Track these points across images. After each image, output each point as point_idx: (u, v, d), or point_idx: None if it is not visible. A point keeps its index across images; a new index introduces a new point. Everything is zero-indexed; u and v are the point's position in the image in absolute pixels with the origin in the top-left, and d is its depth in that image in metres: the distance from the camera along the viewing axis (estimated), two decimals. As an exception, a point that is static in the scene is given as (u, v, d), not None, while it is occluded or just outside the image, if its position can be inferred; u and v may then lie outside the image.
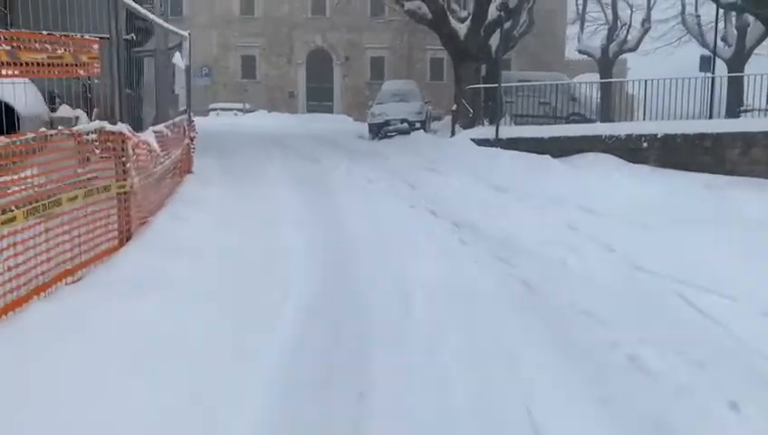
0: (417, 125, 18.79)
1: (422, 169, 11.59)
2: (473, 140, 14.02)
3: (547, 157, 11.60)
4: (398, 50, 36.01)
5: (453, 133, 15.77)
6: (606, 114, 21.98)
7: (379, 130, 19.02)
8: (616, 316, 4.34)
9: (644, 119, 15.49)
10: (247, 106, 34.49)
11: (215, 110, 34.97)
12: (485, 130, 14.61)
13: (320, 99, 36.78)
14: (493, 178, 10.30)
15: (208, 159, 10.81)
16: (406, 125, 18.77)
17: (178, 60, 6.42)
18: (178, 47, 7.15)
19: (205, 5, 36.60)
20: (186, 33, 7.37)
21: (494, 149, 13.30)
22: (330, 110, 36.37)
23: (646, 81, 15.06)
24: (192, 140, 7.97)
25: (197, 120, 29.75)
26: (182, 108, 7.13)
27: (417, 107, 19.29)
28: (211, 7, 36.64)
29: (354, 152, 14.77)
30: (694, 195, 9.08)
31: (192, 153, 8.02)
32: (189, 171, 7.77)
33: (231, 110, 34.67)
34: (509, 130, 14.32)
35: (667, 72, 17.00)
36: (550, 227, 7.02)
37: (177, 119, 6.75)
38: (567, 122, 19.34)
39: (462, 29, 18.76)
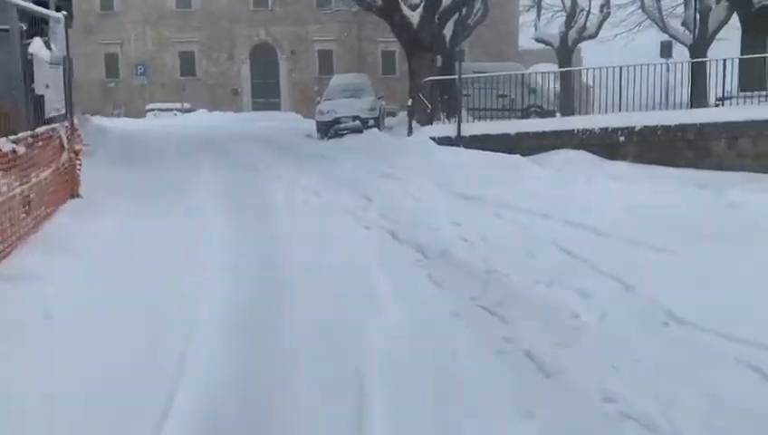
0: (371, 123, 17.21)
1: (378, 176, 10.04)
2: (432, 138, 12.56)
3: (517, 157, 10.22)
4: (346, 43, 34.28)
5: (410, 131, 14.27)
6: (566, 106, 20.89)
7: (329, 129, 17.35)
8: (672, 414, 2.88)
9: (600, 111, 14.18)
10: (186, 105, 32.24)
11: (152, 110, 32.63)
12: (445, 128, 13.17)
13: (266, 96, 34.79)
14: (459, 183, 8.84)
15: (118, 172, 9.03)
16: (358, 123, 17.16)
17: (38, 49, 4.72)
18: (48, 33, 5.40)
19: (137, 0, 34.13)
20: (59, 15, 5.61)
21: (456, 148, 11.87)
22: (277, 107, 34.42)
23: (605, 68, 13.75)
24: (77, 154, 6.22)
25: (136, 122, 27.56)
26: (53, 112, 5.39)
27: (370, 103, 17.69)
28: (144, 1, 34.14)
29: (300, 156, 13.10)
30: (691, 199, 7.79)
31: (78, 171, 6.27)
32: (74, 195, 6.04)
33: (170, 110, 32.39)
34: (471, 127, 12.93)
35: (625, 60, 15.86)
36: (540, 253, 5.57)
37: (42, 129, 5.03)
38: (525, 115, 18.14)
39: (414, 17, 17.26)
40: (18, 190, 4.30)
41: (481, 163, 10.04)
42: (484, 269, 5.15)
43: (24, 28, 9.42)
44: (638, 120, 11.72)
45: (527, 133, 12.33)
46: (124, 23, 34.38)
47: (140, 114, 32.19)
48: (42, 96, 5.02)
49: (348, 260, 5.29)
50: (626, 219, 6.67)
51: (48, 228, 4.69)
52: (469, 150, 11.45)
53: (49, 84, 4.93)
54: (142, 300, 3.72)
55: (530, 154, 11.42)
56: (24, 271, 3.69)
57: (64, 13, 5.69)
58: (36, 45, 4.76)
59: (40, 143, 4.92)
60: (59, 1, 14.87)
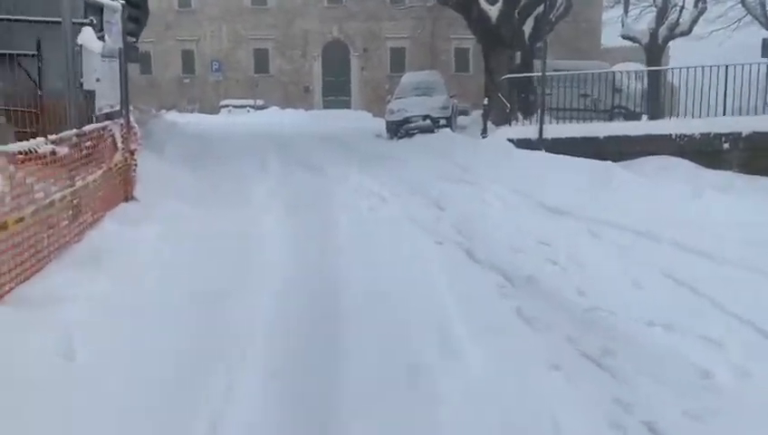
0: (442, 122, 16.41)
1: (451, 181, 9.27)
2: (510, 140, 11.65)
3: (608, 164, 9.19)
4: (419, 39, 33.55)
5: (485, 132, 13.40)
6: (655, 108, 19.41)
7: (399, 129, 16.67)
8: None
9: (687, 114, 12.77)
10: (259, 102, 32.36)
11: (226, 106, 32.91)
12: (524, 129, 12.22)
13: (337, 93, 34.51)
14: (544, 193, 7.96)
15: (180, 171, 8.66)
16: (429, 122, 16.40)
17: (88, 40, 4.26)
18: (99, 22, 4.97)
19: (214, -4, 34.54)
20: (115, 4, 5.17)
21: (538, 152, 10.93)
22: (347, 105, 34.08)
23: (702, 67, 12.25)
24: (133, 153, 5.79)
25: (209, 118, 27.79)
26: (106, 109, 4.93)
27: (442, 101, 16.88)
28: (220, -2, 34.56)
29: (368, 157, 12.48)
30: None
31: (133, 172, 5.84)
32: (128, 198, 5.61)
33: (244, 106, 32.59)
34: (554, 129, 11.93)
35: (720, 60, 14.40)
36: (648, 283, 4.68)
37: (91, 127, 4.57)
38: (609, 117, 16.89)
39: (493, 11, 16.34)
40: (58, 196, 3.84)
41: (567, 170, 9.09)
42: (581, 302, 4.32)
43: (94, 22, 9.22)
44: (747, 124, 10.44)
45: (617, 137, 11.24)
46: (201, 20, 34.89)
47: (215, 110, 32.56)
48: (92, 91, 4.59)
49: (418, 285, 4.56)
50: (747, 242, 5.67)
51: (91, 237, 4.23)
52: (552, 155, 10.49)
53: (100, 78, 4.49)
54: (179, 337, 3.14)
55: (620, 160, 10.35)
56: (50, 292, 3.19)
57: (122, 2, 5.28)
58: (86, 36, 4.33)
59: (88, 143, 4.48)
60: (134, 9, 14.88)
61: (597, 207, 7.17)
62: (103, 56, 4.80)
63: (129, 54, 20.88)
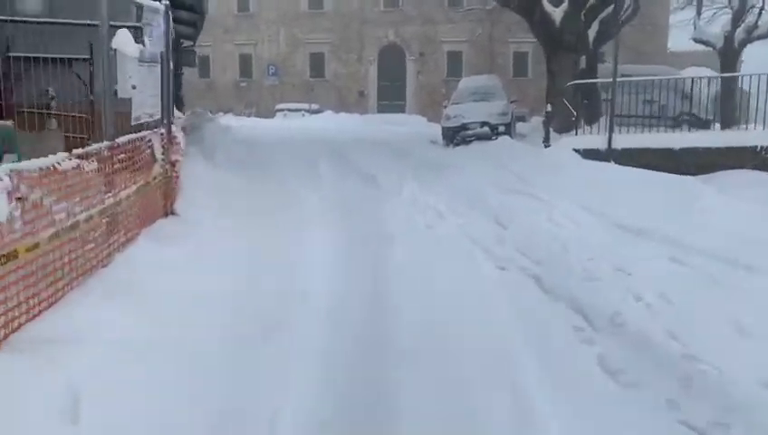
0: (501, 129, 15.69)
1: (512, 194, 8.63)
2: (576, 150, 10.89)
3: (687, 178, 8.36)
4: (477, 43, 32.82)
5: (548, 141, 12.65)
6: (727, 116, 18.14)
7: (455, 135, 16.06)
8: None
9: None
10: (314, 106, 32.28)
11: (282, 110, 32.99)
12: (591, 138, 11.42)
13: (392, 98, 34.12)
14: (617, 210, 7.23)
15: (229, 179, 8.33)
16: (487, 129, 15.72)
17: (123, 43, 3.90)
18: (141, 25, 4.62)
19: (271, 1, 34.71)
20: (156, 5, 4.80)
21: (606, 164, 10.15)
22: (402, 109, 33.64)
23: None
24: (174, 165, 5.42)
25: (264, 122, 27.83)
26: (144, 118, 4.56)
27: (501, 107, 16.17)
28: (278, 2, 34.69)
29: (424, 166, 11.94)
30: None
31: (174, 185, 5.48)
32: (167, 213, 5.23)
33: (299, 110, 32.59)
34: (623, 138, 11.10)
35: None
36: (758, 329, 3.96)
37: (125, 138, 4.18)
38: (676, 124, 15.82)
39: (557, 14, 15.60)
40: (83, 217, 3.47)
41: (641, 184, 8.31)
42: (677, 351, 3.66)
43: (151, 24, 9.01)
44: None
45: (694, 149, 10.35)
46: (258, 24, 35.15)
47: (270, 114, 32.69)
48: (128, 99, 4.24)
49: (479, 323, 3.99)
50: None
51: (121, 261, 3.86)
52: (623, 167, 9.70)
53: (136, 85, 4.13)
54: (206, 395, 2.68)
55: (697, 174, 9.49)
56: (63, 331, 2.79)
57: (166, 2, 4.93)
58: (120, 39, 3.97)
59: (121, 156, 4.13)
60: (191, 0, 14.82)
61: (678, 228, 6.42)
62: (142, 61, 4.45)
63: (187, 58, 21.05)
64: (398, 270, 4.92)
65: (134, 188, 4.35)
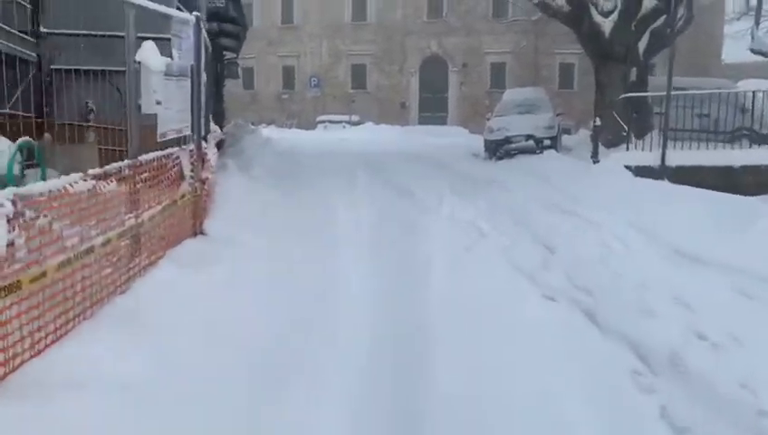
0: (547, 143, 15.20)
1: (559, 213, 8.19)
2: (627, 167, 10.36)
3: (752, 201, 7.78)
4: (521, 55, 32.25)
5: (596, 156, 12.12)
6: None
7: (498, 149, 15.63)
8: None
9: None
10: (355, 118, 32.21)
11: (323, 122, 33.05)
12: (643, 155, 10.86)
13: (433, 109, 33.80)
14: (673, 234, 6.74)
15: (264, 194, 8.14)
16: (531, 143, 15.25)
17: (148, 56, 3.68)
18: (173, 35, 4.41)
19: (315, 13, 34.90)
20: (186, 16, 4.60)
21: (660, 182, 9.60)
22: (444, 121, 33.29)
23: None
24: (204, 183, 5.20)
25: (305, 133, 27.86)
26: (171, 135, 4.35)
27: (547, 120, 15.68)
28: (322, 14, 34.85)
29: (464, 180, 11.57)
30: None
31: (205, 202, 5.26)
32: (196, 233, 5.01)
33: (340, 122, 32.58)
34: (678, 155, 10.52)
35: None
36: None
37: (150, 156, 3.97)
38: (731, 139, 15.01)
39: (606, 25, 15.03)
40: (99, 241, 3.25)
41: (698, 205, 7.76)
42: (750, 403, 3.22)
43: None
44: None
45: (756, 167, 9.70)
46: (302, 36, 35.37)
47: (312, 125, 32.78)
48: (153, 115, 4.03)
49: (525, 366, 3.60)
50: None
51: (140, 287, 3.62)
52: (678, 186, 9.15)
53: (162, 100, 3.92)
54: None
55: (758, 193, 8.87)
56: (67, 371, 2.54)
57: (196, 14, 4.75)
58: (145, 52, 3.77)
59: (144, 174, 3.92)
60: (234, 13, 14.85)
61: (740, 253, 5.90)
62: (169, 75, 4.25)
63: (230, 70, 21.16)
64: (436, 302, 4.57)
65: (159, 208, 4.14)
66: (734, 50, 30.41)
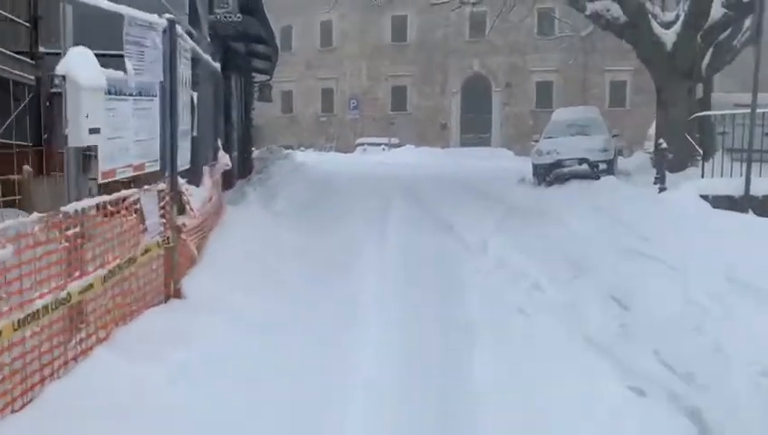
0: (602, 166, 13.77)
1: (630, 256, 6.81)
2: (704, 197, 8.87)
3: None
4: (569, 72, 30.73)
5: (662, 182, 10.63)
6: None
7: (548, 173, 14.25)
8: None
9: None
10: (394, 140, 31.18)
11: (362, 144, 32.15)
12: (722, 183, 9.33)
13: (476, 130, 32.52)
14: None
15: (282, 231, 7.04)
16: (586, 167, 13.84)
17: (76, 68, 2.61)
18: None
19: (354, 34, 34.20)
20: (156, 20, 3.51)
21: (747, 216, 8.10)
22: (487, 142, 31.97)
23: None
24: (180, 231, 4.02)
25: (342, 157, 26.90)
26: (121, 174, 3.25)
27: (602, 142, 14.24)
28: (361, 36, 34.13)
29: (512, 211, 10.26)
30: None
31: (184, 255, 4.10)
32: (170, 295, 3.85)
33: (379, 144, 31.61)
34: (765, 183, 8.97)
35: None
36: None
37: (88, 202, 2.83)
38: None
39: (669, 36, 13.59)
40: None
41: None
42: None
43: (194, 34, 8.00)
44: None
45: None
46: (341, 58, 34.69)
47: (350, 148, 31.91)
48: (89, 148, 2.95)
49: None
50: None
51: (52, 393, 2.50)
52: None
53: (99, 127, 2.87)
54: None
55: None
56: None
57: (169, 17, 3.71)
58: (71, 62, 2.73)
59: (74, 229, 2.82)
60: (263, 33, 14.01)
61: None
62: (120, 94, 3.20)
63: (264, 93, 20.37)
64: (479, 399, 3.30)
65: (103, 271, 3.04)
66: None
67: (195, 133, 4.83)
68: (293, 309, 4.34)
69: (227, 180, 11.26)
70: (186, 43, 4.35)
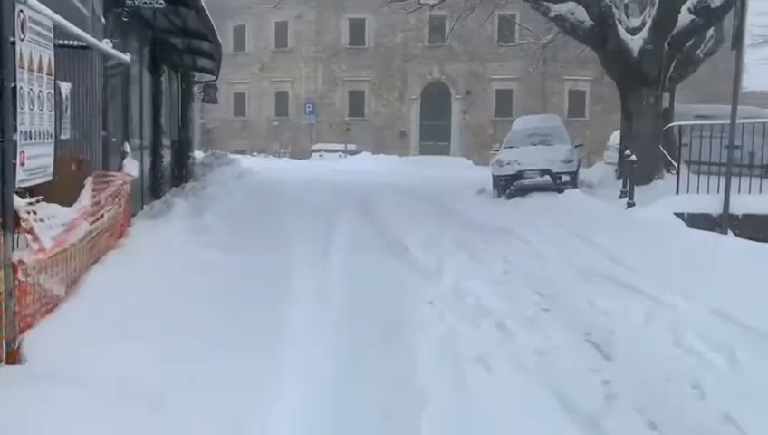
0: (565, 178, 13.05)
1: (605, 285, 5.96)
2: (678, 215, 8.13)
3: None
4: (528, 81, 30.26)
5: (631, 198, 9.91)
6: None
7: (508, 185, 13.45)
8: None
9: None
10: (351, 147, 30.17)
11: (318, 151, 31.00)
12: (698, 200, 8.61)
13: (435, 139, 31.76)
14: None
15: (211, 250, 5.95)
16: (548, 178, 13.09)
17: None
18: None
19: (310, 36, 33.06)
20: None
21: (728, 238, 7.37)
22: (446, 151, 31.24)
23: None
24: (16, 269, 2.93)
25: (295, 164, 25.66)
26: None
27: (565, 152, 13.52)
28: (317, 37, 33.01)
29: (471, 227, 9.37)
30: None
31: (27, 298, 3.00)
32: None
33: (335, 151, 30.52)
34: (744, 200, 8.29)
35: None
36: None
37: None
38: (768, 174, 12.83)
39: (635, 43, 12.96)
40: None
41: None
42: None
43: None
44: None
45: None
46: (297, 60, 33.47)
47: (306, 154, 30.74)
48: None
49: None
50: None
51: None
52: (754, 244, 6.89)
53: None
54: None
55: None
56: None
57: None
58: None
59: None
60: (203, 28, 12.83)
61: None
62: None
63: (208, 94, 19.05)
64: None
65: None
66: (757, 78, 28.50)
67: (66, 136, 3.74)
68: (179, 370, 3.26)
69: (156, 190, 10.07)
70: (39, 15, 3.26)
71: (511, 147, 14.31)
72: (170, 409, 2.90)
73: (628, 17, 15.19)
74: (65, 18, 3.78)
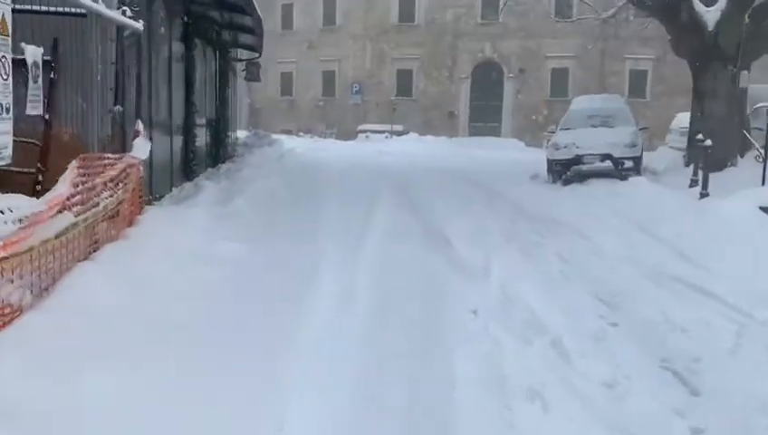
0: (628, 164, 11.94)
1: (679, 292, 5.07)
2: (763, 209, 7.07)
3: None
4: (586, 60, 28.69)
5: (702, 187, 8.85)
6: None
7: (565, 171, 12.43)
8: None
9: None
10: (397, 128, 29.30)
11: (364, 132, 30.25)
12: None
13: (485, 119, 30.55)
14: None
15: (232, 243, 5.35)
16: (609, 164, 12.02)
17: None
18: None
19: (359, 13, 32.16)
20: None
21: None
22: (497, 132, 30.02)
23: None
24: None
25: (339, 145, 25.00)
26: None
27: (629, 136, 12.38)
28: (366, 14, 32.09)
29: (523, 218, 8.53)
30: None
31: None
32: None
33: (382, 132, 29.72)
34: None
35: None
36: None
37: None
38: None
39: (710, 15, 11.71)
40: None
41: None
42: None
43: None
44: None
45: None
46: (344, 38, 32.69)
47: (351, 135, 30.08)
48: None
49: None
50: None
51: None
52: None
53: None
54: None
55: None
56: None
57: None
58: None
59: None
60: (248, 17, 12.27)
61: None
62: None
63: (250, 72, 18.51)
64: None
65: None
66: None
67: (40, 112, 3.15)
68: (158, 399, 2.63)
69: (187, 171, 9.57)
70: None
71: (568, 129, 13.24)
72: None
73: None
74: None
